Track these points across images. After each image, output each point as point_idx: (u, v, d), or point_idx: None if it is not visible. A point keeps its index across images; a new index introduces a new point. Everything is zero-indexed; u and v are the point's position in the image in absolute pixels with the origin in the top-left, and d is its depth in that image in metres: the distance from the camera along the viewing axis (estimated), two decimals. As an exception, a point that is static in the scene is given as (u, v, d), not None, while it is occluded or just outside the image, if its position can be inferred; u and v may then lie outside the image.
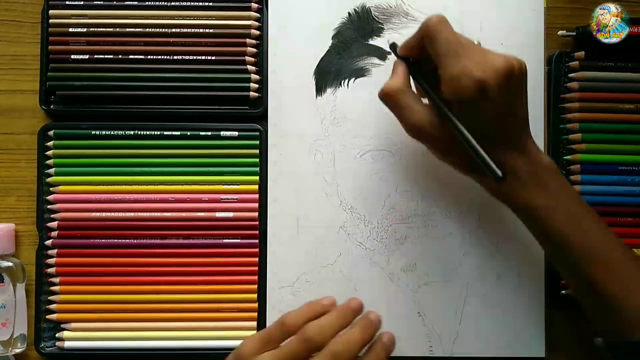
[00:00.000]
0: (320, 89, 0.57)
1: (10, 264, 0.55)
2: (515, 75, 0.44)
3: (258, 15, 0.57)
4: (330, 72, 0.57)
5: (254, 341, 0.45)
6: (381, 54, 0.56)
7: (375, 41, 0.56)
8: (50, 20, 0.57)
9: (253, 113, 0.57)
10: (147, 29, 0.57)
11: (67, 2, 0.57)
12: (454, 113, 0.44)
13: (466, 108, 0.44)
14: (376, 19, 0.57)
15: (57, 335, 0.56)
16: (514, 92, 0.45)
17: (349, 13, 0.57)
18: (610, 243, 0.47)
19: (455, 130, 0.44)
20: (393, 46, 0.50)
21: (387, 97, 0.47)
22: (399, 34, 0.56)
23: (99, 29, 0.56)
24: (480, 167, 0.44)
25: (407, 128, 0.48)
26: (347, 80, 0.57)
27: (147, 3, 0.57)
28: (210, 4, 0.57)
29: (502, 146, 0.45)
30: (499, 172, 0.43)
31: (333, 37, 0.57)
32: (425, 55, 0.46)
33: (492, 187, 0.48)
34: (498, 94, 0.43)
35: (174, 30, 0.57)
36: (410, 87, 0.48)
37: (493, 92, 0.42)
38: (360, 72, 0.56)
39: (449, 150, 0.48)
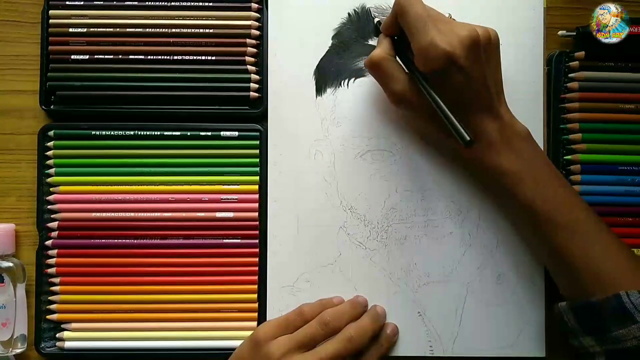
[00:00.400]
0: (320, 89, 0.57)
1: (11, 264, 0.55)
2: (481, 44, 0.46)
3: (258, 15, 0.57)
4: (330, 72, 0.57)
5: (271, 326, 0.50)
6: (381, 54, 0.57)
7: (375, 41, 0.56)
8: (50, 20, 0.57)
9: (253, 113, 0.57)
10: (147, 29, 0.57)
11: (67, 2, 0.57)
12: (428, 82, 0.47)
13: (438, 77, 0.46)
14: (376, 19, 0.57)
15: (57, 335, 0.56)
16: (482, 60, 0.47)
17: (349, 13, 0.57)
18: (575, 207, 0.49)
19: (428, 97, 0.47)
20: (378, 24, 0.54)
21: (373, 64, 0.50)
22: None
23: (99, 29, 0.56)
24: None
25: (390, 96, 0.51)
26: (347, 81, 0.57)
27: (147, 3, 0.57)
28: (210, 4, 0.57)
29: (475, 112, 0.48)
30: (467, 137, 0.44)
31: (333, 38, 0.57)
32: (403, 32, 0.48)
33: (467, 151, 0.50)
34: (465, 62, 0.45)
35: (174, 30, 0.57)
36: (395, 57, 0.50)
37: (460, 62, 0.45)
38: (360, 73, 0.56)
39: (429, 118, 0.50)
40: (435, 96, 0.46)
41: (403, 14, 0.47)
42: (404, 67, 0.50)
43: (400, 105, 0.51)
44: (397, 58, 0.51)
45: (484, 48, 0.47)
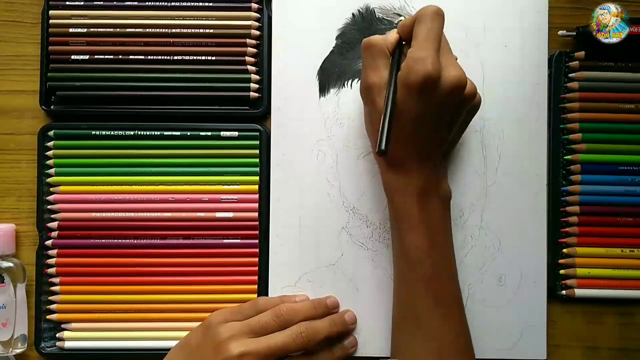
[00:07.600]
0: (323, 90, 0.57)
1: (11, 264, 0.55)
2: (464, 96, 0.46)
3: (258, 15, 0.57)
4: (334, 73, 0.57)
5: (224, 312, 0.51)
6: (383, 55, 0.56)
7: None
8: (50, 21, 0.56)
9: (253, 113, 0.57)
10: (147, 29, 0.56)
11: (67, 2, 0.57)
12: (395, 92, 0.45)
13: (405, 95, 0.44)
14: (380, 20, 0.57)
15: (57, 335, 0.56)
16: (449, 110, 0.46)
17: (353, 14, 0.57)
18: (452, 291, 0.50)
19: (386, 92, 0.45)
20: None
21: (367, 46, 0.48)
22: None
23: (99, 29, 0.56)
24: None
25: (362, 81, 0.49)
26: (350, 81, 0.56)
27: (147, 3, 0.57)
28: (210, 4, 0.57)
29: (405, 146, 0.46)
30: (383, 147, 0.43)
31: (337, 38, 0.57)
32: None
33: (385, 176, 0.50)
34: (434, 98, 0.44)
35: (174, 30, 0.56)
36: (392, 51, 0.48)
37: (433, 94, 0.44)
38: (363, 73, 0.56)
39: (374, 123, 0.48)
40: (392, 95, 0.45)
41: (419, 22, 0.46)
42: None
43: (364, 94, 0.49)
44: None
45: (460, 101, 0.46)
